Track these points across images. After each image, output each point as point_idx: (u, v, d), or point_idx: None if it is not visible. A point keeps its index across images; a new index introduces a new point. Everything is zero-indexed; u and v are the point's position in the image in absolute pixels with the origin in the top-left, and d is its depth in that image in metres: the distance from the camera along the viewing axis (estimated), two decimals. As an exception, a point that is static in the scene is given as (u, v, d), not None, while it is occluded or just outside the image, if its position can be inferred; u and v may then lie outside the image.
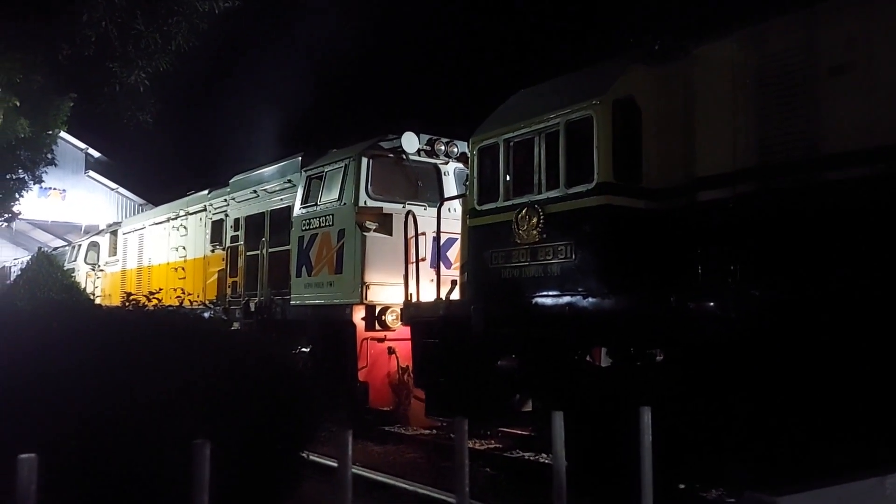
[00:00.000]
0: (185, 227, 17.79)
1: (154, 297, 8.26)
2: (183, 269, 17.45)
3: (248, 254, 14.95)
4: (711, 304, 7.33)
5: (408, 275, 10.90)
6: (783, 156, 6.85)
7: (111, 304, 17.96)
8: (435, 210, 10.84)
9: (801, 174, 6.69)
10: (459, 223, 10.42)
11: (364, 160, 12.22)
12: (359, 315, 11.81)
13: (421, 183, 12.75)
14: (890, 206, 6.04)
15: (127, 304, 7.71)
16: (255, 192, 15.03)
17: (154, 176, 38.14)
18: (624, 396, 7.53)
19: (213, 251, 16.37)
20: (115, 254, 21.67)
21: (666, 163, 7.86)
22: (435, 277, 10.48)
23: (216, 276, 16.05)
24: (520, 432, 10.63)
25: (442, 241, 10.82)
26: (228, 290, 15.51)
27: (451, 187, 12.80)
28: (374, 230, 11.91)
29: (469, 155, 9.72)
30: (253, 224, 15.02)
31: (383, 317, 11.74)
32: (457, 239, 10.82)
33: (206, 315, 13.96)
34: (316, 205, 12.88)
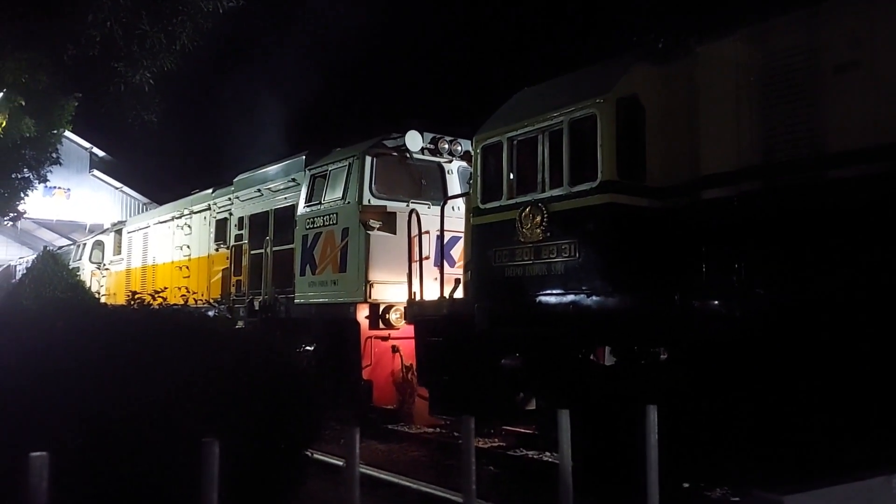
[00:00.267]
0: (189, 226, 17.81)
1: (159, 296, 8.27)
2: (187, 267, 17.47)
3: (253, 252, 14.97)
4: (716, 302, 7.34)
5: (411, 273, 10.91)
6: (787, 154, 6.84)
7: (116, 303, 17.98)
8: (438, 208, 10.84)
9: (805, 172, 6.68)
10: (463, 222, 10.41)
11: (368, 159, 12.23)
12: (363, 313, 11.82)
13: (424, 181, 12.76)
14: (894, 203, 6.04)
15: (132, 302, 7.73)
16: (259, 190, 15.04)
17: (158, 175, 38.14)
18: (628, 395, 7.53)
19: (217, 250, 16.39)
20: (119, 252, 21.71)
21: (670, 161, 7.85)
22: (438, 276, 10.48)
23: (220, 274, 16.07)
24: (523, 431, 10.63)
25: (445, 240, 10.83)
26: (233, 289, 15.54)
27: (454, 186, 12.81)
28: (378, 229, 11.92)
29: (472, 153, 9.72)
30: (257, 223, 15.04)
31: (387, 315, 11.76)
32: (460, 237, 10.82)
33: (211, 314, 13.96)
34: (320, 203, 12.89)
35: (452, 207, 11.48)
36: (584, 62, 9.27)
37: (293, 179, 13.98)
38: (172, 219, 18.71)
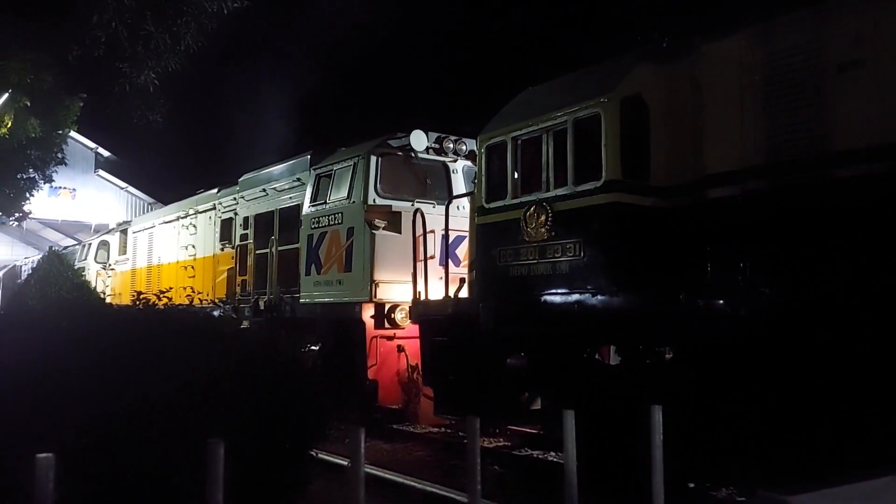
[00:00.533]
0: (194, 226, 17.83)
1: (164, 296, 8.28)
2: (192, 267, 17.49)
3: (258, 252, 14.98)
4: (721, 301, 7.32)
5: (416, 273, 10.91)
6: (792, 153, 6.83)
7: (121, 303, 18.02)
8: (443, 208, 10.84)
9: (809, 171, 6.67)
10: (468, 221, 10.42)
11: (373, 158, 12.23)
12: (368, 313, 11.82)
13: (430, 181, 12.76)
14: (899, 203, 6.03)
15: (137, 302, 7.74)
16: (264, 190, 15.05)
17: (163, 175, 38.24)
18: (633, 395, 7.53)
19: (222, 249, 16.41)
20: (125, 252, 21.74)
21: (674, 160, 7.85)
22: (443, 275, 10.48)
23: (226, 274, 16.08)
24: (528, 430, 10.63)
25: (450, 239, 10.84)
26: (238, 289, 15.55)
27: (459, 185, 12.81)
28: (383, 228, 11.92)
29: (477, 153, 9.72)
30: (262, 222, 15.05)
31: (392, 315, 11.75)
32: (465, 237, 10.82)
33: (216, 314, 13.97)
34: (325, 203, 12.90)
35: (457, 207, 11.48)
36: (587, 61, 9.27)
37: (298, 179, 13.99)
38: (177, 219, 18.73)
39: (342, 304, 12.31)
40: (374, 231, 11.87)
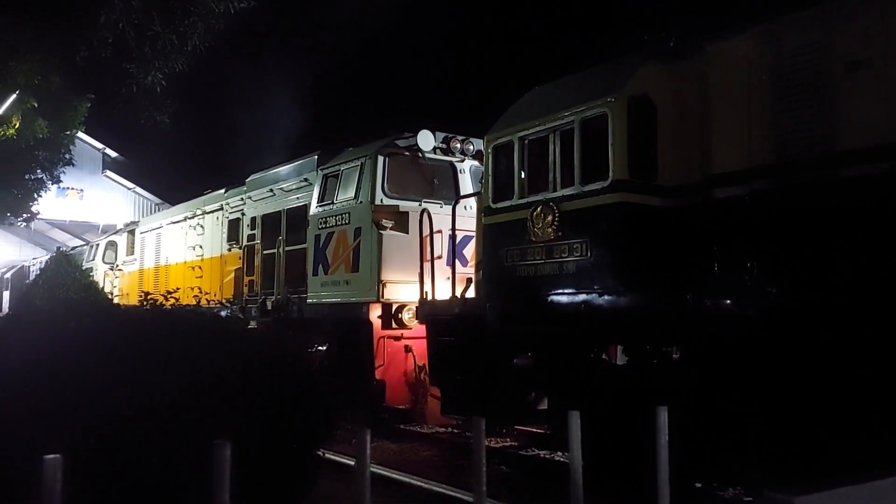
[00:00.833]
0: (201, 226, 17.87)
1: (171, 297, 8.30)
2: (200, 267, 17.53)
3: (265, 252, 15.01)
4: (728, 301, 7.31)
5: (423, 273, 10.92)
6: (799, 152, 6.81)
7: (129, 304, 18.07)
8: (450, 208, 10.84)
9: (817, 171, 6.65)
10: (475, 221, 10.41)
11: (380, 158, 12.24)
12: (375, 313, 11.83)
13: (437, 181, 12.76)
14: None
15: (144, 303, 7.76)
16: (271, 190, 15.08)
17: (171, 175, 38.33)
18: (640, 395, 7.52)
19: (229, 250, 16.44)
20: (132, 253, 21.80)
21: (681, 160, 7.83)
22: (450, 275, 10.48)
23: (233, 274, 16.12)
24: (535, 430, 10.63)
25: (457, 239, 10.84)
26: (245, 289, 15.58)
27: (466, 185, 12.81)
28: (391, 228, 11.93)
29: (484, 153, 9.72)
30: (269, 223, 15.07)
31: (400, 315, 11.76)
32: (472, 237, 10.82)
33: (223, 314, 14.01)
34: (332, 203, 12.92)
35: (464, 207, 11.48)
36: (594, 61, 9.26)
37: (305, 179, 14.01)
38: (185, 219, 18.77)
39: (349, 305, 12.32)
40: (381, 231, 11.88)
